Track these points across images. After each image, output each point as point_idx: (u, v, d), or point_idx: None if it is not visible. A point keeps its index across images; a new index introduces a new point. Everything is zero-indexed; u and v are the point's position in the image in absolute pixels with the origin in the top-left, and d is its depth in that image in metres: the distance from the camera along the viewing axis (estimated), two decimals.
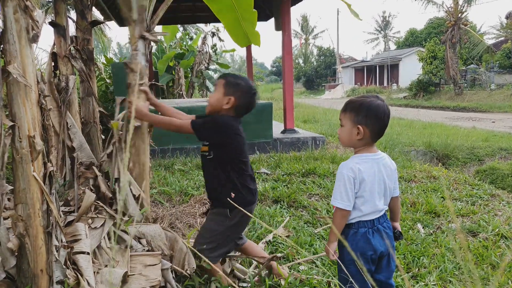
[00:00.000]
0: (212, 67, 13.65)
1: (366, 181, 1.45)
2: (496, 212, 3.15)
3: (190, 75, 12.48)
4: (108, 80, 6.03)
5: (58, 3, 2.06)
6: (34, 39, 1.33)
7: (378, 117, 1.44)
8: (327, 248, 1.52)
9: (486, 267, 2.25)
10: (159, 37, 2.04)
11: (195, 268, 1.95)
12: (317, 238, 2.64)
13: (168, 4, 2.04)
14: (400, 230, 1.67)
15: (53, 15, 2.22)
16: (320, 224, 2.89)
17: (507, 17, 17.73)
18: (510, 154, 6.96)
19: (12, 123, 1.32)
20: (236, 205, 1.50)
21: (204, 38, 13.18)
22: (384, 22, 52.04)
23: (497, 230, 2.72)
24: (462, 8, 19.07)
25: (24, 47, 1.33)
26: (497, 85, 20.36)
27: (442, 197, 3.51)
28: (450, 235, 2.69)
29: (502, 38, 21.01)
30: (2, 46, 1.31)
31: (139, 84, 1.96)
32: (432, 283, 2.10)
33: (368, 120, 1.43)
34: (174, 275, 1.81)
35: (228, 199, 1.70)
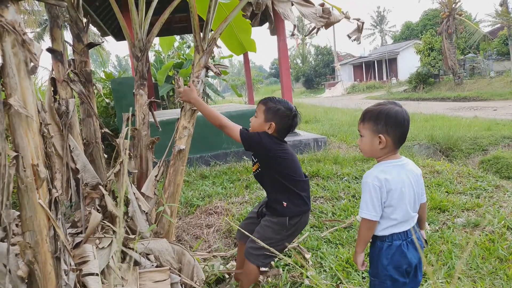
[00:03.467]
0: (211, 73, 13.73)
1: (394, 190, 1.39)
2: (501, 204, 3.15)
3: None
4: (106, 99, 6.10)
5: (55, 29, 2.10)
6: (33, 70, 1.37)
7: (398, 124, 1.40)
8: (356, 260, 1.49)
9: (494, 261, 2.25)
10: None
11: (204, 279, 1.98)
12: (324, 242, 2.66)
13: (222, 30, 2.14)
14: (425, 238, 1.64)
15: (49, 36, 2.27)
16: (327, 228, 2.90)
17: (501, 4, 17.68)
18: None
19: (16, 154, 1.36)
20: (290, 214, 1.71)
21: None
22: (379, 17, 52.05)
23: (503, 222, 2.72)
24: None
25: (24, 79, 1.36)
26: (496, 72, 20.28)
27: (447, 192, 3.51)
28: (456, 230, 2.70)
29: (498, 25, 20.93)
30: (2, 79, 1.35)
31: (192, 110, 2.13)
32: (440, 280, 2.10)
33: (389, 128, 1.40)
34: None
35: (285, 207, 1.79)
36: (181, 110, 2.19)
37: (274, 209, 1.83)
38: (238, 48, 4.06)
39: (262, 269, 2.04)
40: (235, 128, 1.81)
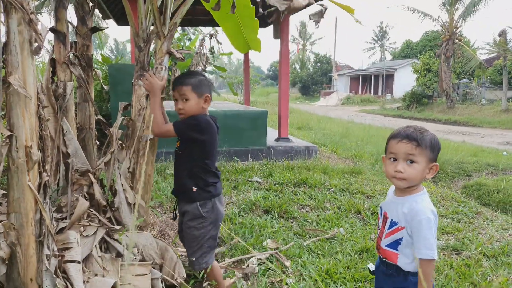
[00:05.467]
0: (208, 68, 13.68)
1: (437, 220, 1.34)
2: (480, 230, 3.23)
3: None
4: (104, 85, 6.02)
5: (60, 9, 2.07)
6: (37, 51, 1.35)
7: (439, 152, 1.35)
8: None
9: (468, 286, 2.31)
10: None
11: (185, 277, 1.98)
12: (306, 250, 2.68)
13: (182, 14, 2.10)
14: None
15: (53, 18, 2.24)
16: (310, 237, 2.93)
17: (500, 35, 18.08)
18: (496, 170, 7.10)
19: (10, 133, 1.34)
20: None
21: (202, 40, 13.20)
22: (381, 32, 52.65)
23: (480, 248, 2.79)
24: (457, 24, 19.41)
25: (26, 58, 1.35)
26: (487, 100, 20.73)
27: None
28: None
29: (494, 55, 21.41)
30: (4, 56, 1.33)
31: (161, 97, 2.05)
32: None
33: (437, 156, 1.35)
34: (163, 285, 1.83)
35: (194, 191, 1.76)
36: (147, 99, 2.12)
37: (184, 195, 1.83)
38: (243, 46, 4.04)
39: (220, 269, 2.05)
40: (170, 125, 1.82)
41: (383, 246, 1.45)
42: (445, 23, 19.81)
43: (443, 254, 2.75)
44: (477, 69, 20.83)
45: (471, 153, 8.29)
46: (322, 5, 2.11)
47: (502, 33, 18.13)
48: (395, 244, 1.40)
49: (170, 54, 2.09)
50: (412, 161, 1.32)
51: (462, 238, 3.00)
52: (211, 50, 13.39)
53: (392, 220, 1.42)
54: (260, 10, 2.01)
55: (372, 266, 1.58)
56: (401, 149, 1.33)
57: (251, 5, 2.29)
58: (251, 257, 2.48)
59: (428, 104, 22.70)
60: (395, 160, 1.36)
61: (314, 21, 2.16)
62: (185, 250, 2.51)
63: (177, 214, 1.95)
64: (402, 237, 1.38)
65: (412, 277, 1.37)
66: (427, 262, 1.29)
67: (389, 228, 1.43)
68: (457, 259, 2.67)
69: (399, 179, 1.34)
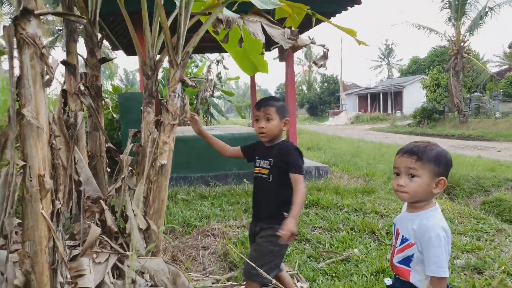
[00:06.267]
0: (216, 93, 13.91)
1: (450, 236, 1.31)
2: (502, 248, 3.11)
3: (195, 102, 12.71)
4: (114, 114, 6.18)
5: (70, 43, 2.17)
6: (48, 83, 1.41)
7: (449, 167, 1.34)
8: None
9: None
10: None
11: None
12: (320, 273, 2.62)
13: (195, 43, 2.19)
14: None
15: (64, 50, 2.33)
16: (323, 259, 2.86)
17: (510, 47, 18.02)
18: None
19: (24, 163, 1.38)
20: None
21: (209, 66, 13.53)
22: (387, 50, 53.05)
23: (503, 267, 2.68)
24: (464, 38, 19.45)
25: (39, 91, 1.40)
26: (502, 113, 20.41)
27: None
28: (455, 272, 2.65)
29: (506, 67, 21.26)
30: (18, 90, 1.39)
31: (171, 124, 2.12)
32: None
33: (446, 171, 1.33)
34: None
35: (285, 216, 1.76)
36: (160, 125, 2.17)
37: (274, 220, 1.83)
38: (250, 68, 4.11)
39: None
40: (304, 190, 1.84)
41: (395, 263, 1.43)
42: (452, 38, 19.87)
43: (464, 274, 2.64)
44: (489, 82, 20.66)
45: (488, 168, 8.09)
46: (323, 45, 2.17)
47: None
48: (407, 261, 1.38)
49: (183, 82, 2.17)
50: (413, 175, 1.32)
51: (484, 257, 2.89)
52: (218, 75, 13.70)
53: (403, 236, 1.41)
54: (263, 51, 2.11)
55: (388, 281, 1.55)
56: (402, 163, 1.34)
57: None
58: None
59: (439, 119, 22.47)
60: (398, 174, 1.37)
61: (320, 66, 2.21)
62: (197, 274, 2.49)
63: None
64: (413, 254, 1.35)
65: None
66: (438, 280, 1.26)
67: (400, 244, 1.42)
68: (479, 279, 2.56)
69: (402, 192, 1.35)
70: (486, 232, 3.47)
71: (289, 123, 1.96)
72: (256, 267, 1.57)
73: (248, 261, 1.73)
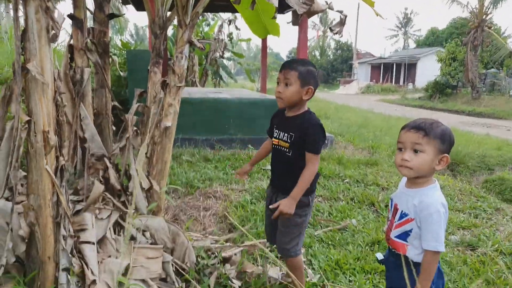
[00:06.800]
0: (227, 54, 13.65)
1: (447, 212, 1.34)
2: (498, 227, 3.15)
3: (204, 62, 12.51)
4: (121, 71, 6.11)
5: None
6: (53, 38, 1.38)
7: (452, 145, 1.35)
8: None
9: (481, 283, 2.27)
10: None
11: (194, 262, 2.03)
12: (316, 240, 2.69)
13: (205, 4, 2.11)
14: None
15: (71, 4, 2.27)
16: (321, 226, 2.93)
17: None
18: None
19: (28, 118, 1.39)
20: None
21: (221, 26, 13.16)
22: (405, 19, 50.96)
23: (496, 245, 2.73)
24: (487, 10, 18.53)
25: (44, 46, 1.38)
26: None
27: None
28: (448, 247, 2.71)
29: None
30: (23, 44, 1.37)
31: (177, 86, 2.07)
32: None
33: (449, 149, 1.35)
34: (174, 268, 1.89)
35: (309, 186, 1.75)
36: (166, 87, 2.13)
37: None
38: (261, 30, 3.99)
39: None
40: (313, 162, 1.72)
41: (392, 237, 1.46)
42: (474, 10, 18.95)
43: (458, 250, 2.70)
44: (507, 59, 19.92)
45: (495, 147, 8.01)
46: (341, 12, 2.06)
47: None
48: (404, 236, 1.42)
49: (191, 43, 2.11)
50: (418, 151, 1.33)
51: (479, 234, 2.94)
52: (230, 36, 13.35)
53: (402, 211, 1.43)
54: (275, 15, 1.99)
55: (380, 256, 1.59)
56: (408, 138, 1.34)
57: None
58: (263, 242, 2.51)
59: (451, 94, 21.96)
60: (402, 149, 1.37)
61: (335, 32, 2.10)
62: (197, 234, 2.58)
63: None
64: (412, 229, 1.39)
65: (420, 268, 1.38)
66: (433, 254, 1.31)
67: (399, 220, 1.44)
68: (471, 255, 2.62)
69: (405, 167, 1.35)
70: (484, 211, 3.51)
71: (312, 92, 1.75)
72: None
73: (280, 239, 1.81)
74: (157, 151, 2.16)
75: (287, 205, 1.69)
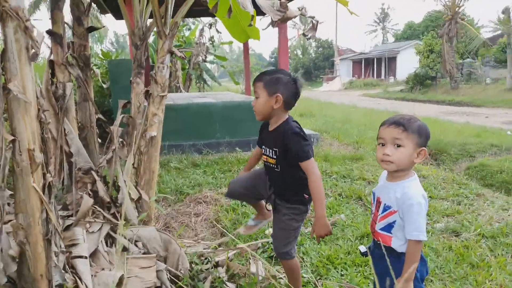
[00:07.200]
0: (209, 58, 13.64)
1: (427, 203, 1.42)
2: (480, 212, 3.27)
3: (187, 67, 12.48)
4: (103, 83, 6.06)
5: (55, 12, 2.10)
6: (34, 57, 1.39)
7: (428, 139, 1.42)
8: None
9: (466, 267, 2.36)
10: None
11: (188, 268, 2.05)
12: (307, 237, 2.74)
13: (183, 14, 2.13)
14: None
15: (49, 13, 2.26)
16: (311, 223, 2.99)
17: (503, 12, 17.74)
18: (500, 150, 7.08)
19: (13, 138, 1.39)
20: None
21: (202, 30, 13.15)
22: (383, 15, 51.84)
23: (479, 230, 2.84)
24: (459, 2, 19.06)
25: (24, 65, 1.38)
26: (492, 79, 20.46)
27: (430, 197, 3.62)
28: (434, 235, 2.80)
29: (499, 32, 21.03)
30: (2, 64, 1.37)
31: (161, 96, 2.09)
32: None
33: (426, 143, 1.41)
34: (169, 276, 1.91)
35: (306, 198, 1.79)
36: (149, 97, 2.15)
37: (295, 201, 1.82)
38: (242, 35, 4.03)
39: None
40: (313, 171, 1.69)
41: (377, 230, 1.52)
42: (447, 2, 19.47)
43: (443, 237, 2.80)
44: (481, 48, 20.53)
45: (474, 134, 8.26)
46: (312, 17, 2.13)
47: (506, 10, 17.78)
48: (388, 228, 1.48)
49: (171, 53, 2.14)
50: (399, 145, 1.39)
51: (462, 220, 3.04)
52: (211, 39, 13.35)
53: (385, 204, 1.49)
54: (251, 23, 2.04)
55: (363, 248, 1.66)
56: (388, 133, 1.40)
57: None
58: (255, 244, 2.55)
59: (431, 85, 22.47)
60: (383, 145, 1.43)
61: (309, 37, 2.17)
62: (189, 240, 2.60)
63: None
64: (395, 221, 1.45)
65: (405, 257, 1.44)
66: (416, 243, 1.37)
67: (382, 212, 1.50)
68: (456, 241, 2.72)
69: (387, 162, 1.41)
70: (466, 197, 3.63)
71: (282, 99, 1.68)
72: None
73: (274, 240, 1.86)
74: (144, 161, 2.18)
75: (320, 227, 1.67)
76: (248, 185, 2.01)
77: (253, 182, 1.99)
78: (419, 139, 1.39)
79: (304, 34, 2.20)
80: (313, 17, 2.09)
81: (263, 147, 1.86)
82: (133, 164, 2.18)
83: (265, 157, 1.84)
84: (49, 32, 2.11)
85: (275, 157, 1.77)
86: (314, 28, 2.13)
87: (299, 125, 1.81)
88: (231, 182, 2.13)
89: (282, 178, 1.82)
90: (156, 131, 2.17)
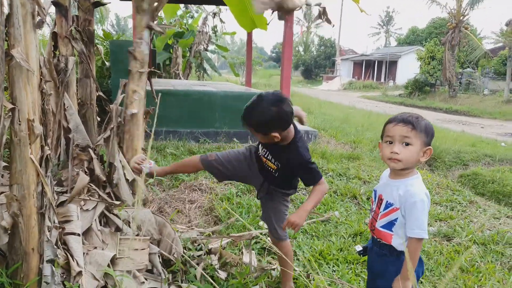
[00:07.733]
0: (211, 47, 13.51)
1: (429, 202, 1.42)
2: (472, 218, 3.29)
3: (188, 55, 12.35)
4: (106, 61, 5.97)
5: None
6: (39, 25, 1.35)
7: (433, 139, 1.42)
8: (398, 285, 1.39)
9: (456, 271, 2.37)
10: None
11: (181, 252, 2.03)
12: (301, 232, 2.74)
13: None
14: None
15: None
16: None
17: (507, 24, 17.80)
18: (493, 160, 7.15)
19: (13, 106, 1.35)
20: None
21: (205, 18, 13.00)
22: (387, 18, 51.77)
23: (470, 236, 2.86)
24: (464, 11, 19.08)
25: (29, 32, 1.34)
26: (490, 91, 20.61)
27: None
28: (426, 239, 2.81)
29: (500, 44, 21.13)
30: (7, 29, 1.33)
31: (140, 72, 2.00)
32: None
33: (431, 141, 1.41)
34: (161, 260, 1.89)
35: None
36: (129, 74, 2.08)
37: (289, 188, 1.93)
38: (248, 24, 3.97)
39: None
40: (326, 189, 1.81)
41: (378, 227, 1.51)
42: (452, 10, 19.47)
43: (435, 240, 2.81)
44: (482, 59, 20.61)
45: (469, 143, 8.32)
46: (319, 4, 2.09)
47: (509, 23, 17.85)
48: (389, 225, 1.47)
49: (150, 28, 2.04)
50: (407, 144, 1.38)
51: (454, 226, 3.06)
52: (214, 29, 13.21)
53: (387, 201, 1.48)
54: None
55: (359, 247, 1.64)
56: (397, 131, 1.39)
57: None
58: (249, 234, 2.53)
59: (430, 92, 22.58)
60: (391, 143, 1.41)
61: (323, 21, 2.14)
62: (183, 226, 2.58)
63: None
64: (397, 218, 1.44)
65: (404, 256, 1.43)
66: (417, 241, 1.37)
67: (384, 210, 1.49)
68: (447, 245, 2.73)
69: (395, 160, 1.39)
70: (460, 203, 3.65)
71: (279, 136, 1.65)
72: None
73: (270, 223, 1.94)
74: (126, 140, 2.08)
75: (298, 216, 1.68)
76: (230, 167, 1.95)
77: (237, 169, 1.96)
78: (426, 138, 1.39)
79: (327, 20, 2.15)
80: (319, 4, 2.05)
81: (264, 149, 1.84)
82: (118, 143, 2.08)
83: (264, 159, 1.86)
84: (54, 3, 2.05)
85: (275, 167, 1.82)
86: (319, 16, 2.09)
87: (305, 142, 1.83)
88: (213, 159, 1.96)
89: (278, 181, 1.88)
90: (137, 108, 2.08)
